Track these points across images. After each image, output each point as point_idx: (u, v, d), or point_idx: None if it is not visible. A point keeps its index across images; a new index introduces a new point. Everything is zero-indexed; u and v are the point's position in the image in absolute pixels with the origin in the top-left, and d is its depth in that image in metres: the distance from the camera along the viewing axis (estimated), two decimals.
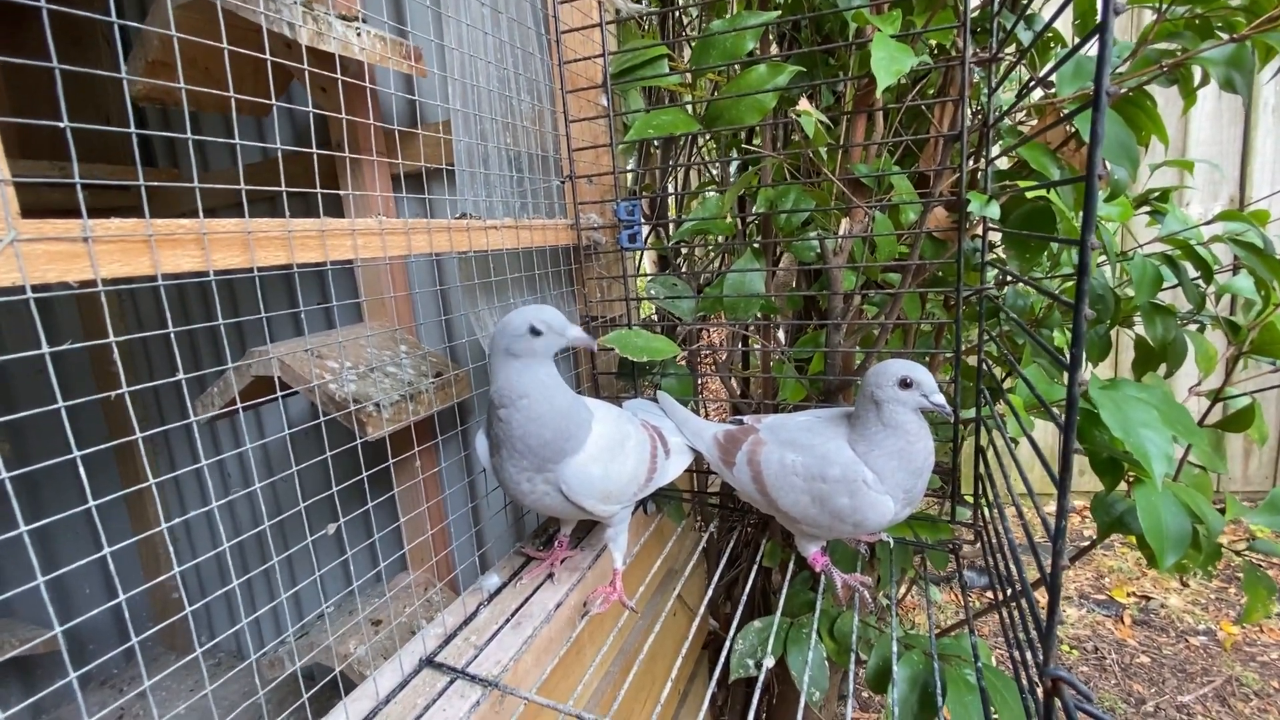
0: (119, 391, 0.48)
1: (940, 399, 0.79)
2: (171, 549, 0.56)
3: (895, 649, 0.83)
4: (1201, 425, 0.91)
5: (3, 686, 1.75)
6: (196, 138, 0.57)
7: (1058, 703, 0.49)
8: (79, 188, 0.45)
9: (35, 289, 0.44)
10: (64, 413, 0.44)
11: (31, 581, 0.45)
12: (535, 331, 0.77)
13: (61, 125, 0.44)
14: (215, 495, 1.83)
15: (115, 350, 0.47)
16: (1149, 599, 2.81)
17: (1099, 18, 0.39)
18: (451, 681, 0.75)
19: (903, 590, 2.08)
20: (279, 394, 0.82)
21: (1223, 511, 0.79)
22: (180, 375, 0.52)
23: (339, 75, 0.75)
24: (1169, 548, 0.72)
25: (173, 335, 0.51)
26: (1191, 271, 1.11)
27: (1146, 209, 1.26)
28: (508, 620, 0.86)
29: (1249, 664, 2.43)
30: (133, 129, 0.47)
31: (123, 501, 1.99)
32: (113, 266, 0.47)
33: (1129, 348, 1.20)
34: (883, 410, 0.82)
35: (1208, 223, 1.01)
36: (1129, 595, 2.84)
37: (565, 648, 0.85)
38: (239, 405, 1.14)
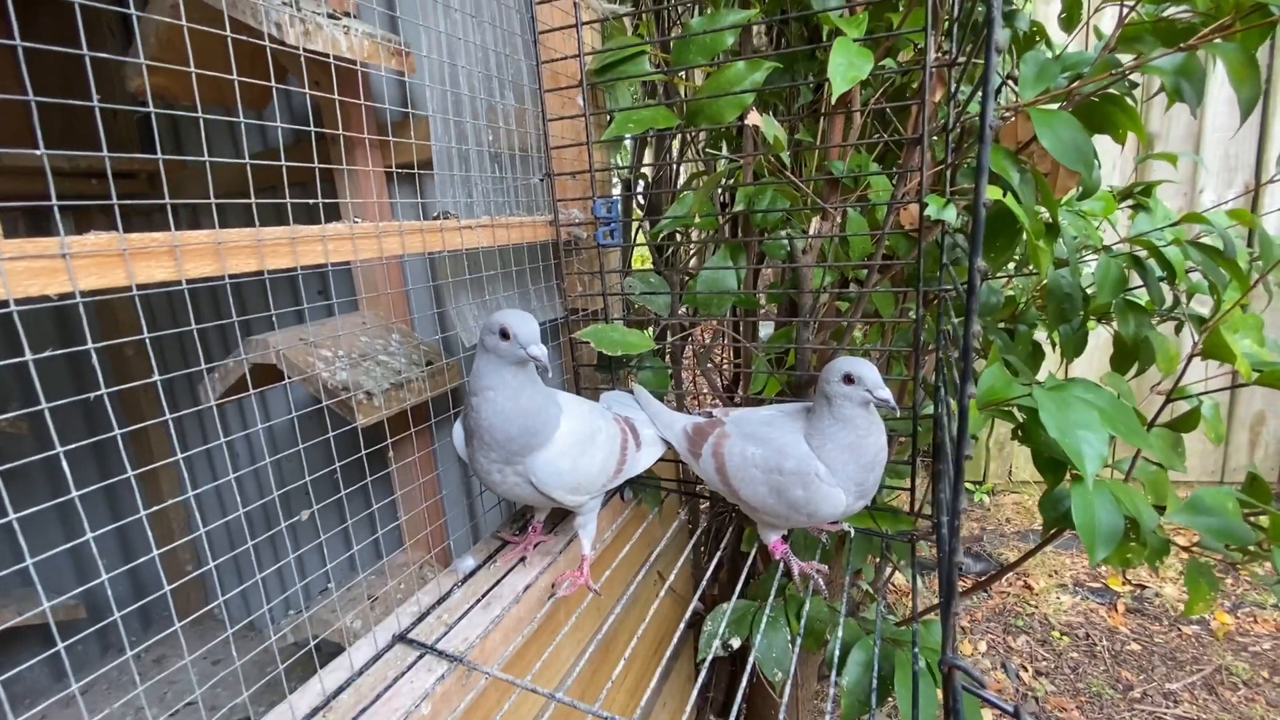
0: (97, 393, 0.53)
1: (884, 393, 0.82)
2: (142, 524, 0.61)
3: (841, 634, 0.87)
4: (1154, 425, 0.93)
5: (25, 651, 1.86)
6: (153, 109, 0.61)
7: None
8: (42, 175, 0.49)
9: (19, 301, 0.49)
10: (48, 414, 0.49)
11: (52, 555, 0.51)
12: (504, 334, 0.82)
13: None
14: (220, 475, 1.91)
15: (94, 356, 0.52)
16: (1144, 588, 2.82)
17: (985, 58, 0.41)
18: (421, 656, 0.80)
19: (888, 574, 2.12)
20: (251, 391, 0.87)
21: (1161, 510, 0.82)
22: (156, 377, 0.57)
23: (302, 75, 0.79)
24: (1100, 543, 0.75)
25: (148, 341, 0.56)
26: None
27: (1130, 203, 1.26)
28: (479, 600, 0.91)
29: (1240, 654, 2.45)
30: (30, 95, 0.50)
31: (142, 481, 2.08)
32: (90, 279, 0.52)
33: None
34: (833, 405, 0.85)
35: (1174, 224, 1.02)
36: (1124, 584, 2.85)
37: (532, 627, 0.91)
38: (213, 393, 1.20)
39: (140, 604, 0.73)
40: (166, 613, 2.20)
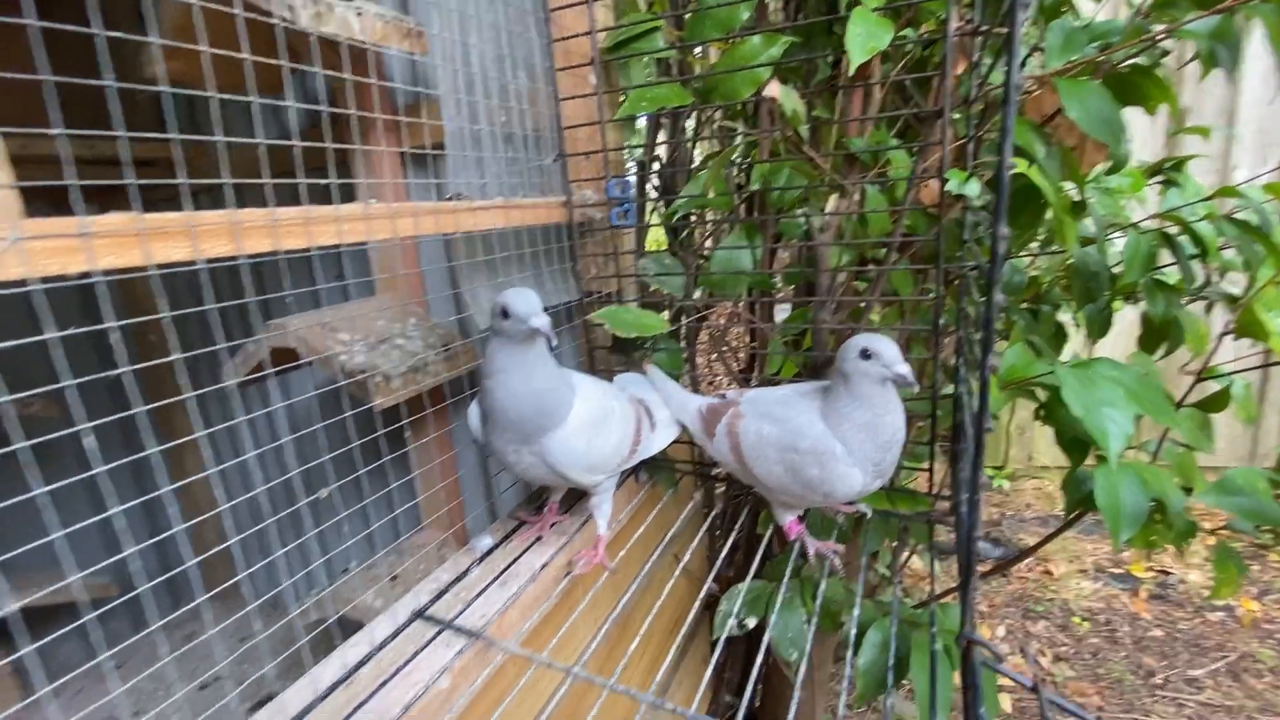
0: (116, 372, 0.53)
1: (902, 369, 0.80)
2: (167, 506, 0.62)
3: (857, 615, 0.87)
4: (1183, 405, 0.91)
5: (54, 625, 1.92)
6: (166, 89, 0.62)
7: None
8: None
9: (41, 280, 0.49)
10: (67, 394, 0.50)
11: (85, 537, 0.52)
12: (505, 314, 0.81)
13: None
14: (245, 460, 1.94)
15: (111, 335, 0.53)
16: (1168, 574, 2.78)
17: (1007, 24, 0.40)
18: (439, 632, 0.81)
19: (905, 556, 2.11)
20: (265, 372, 0.88)
21: (1188, 492, 0.80)
22: (175, 355, 0.58)
23: (315, 60, 0.78)
24: (1124, 525, 0.73)
25: (164, 322, 0.56)
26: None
27: (1159, 179, 1.22)
28: (496, 578, 0.92)
29: (1266, 640, 2.41)
30: (39, 74, 0.50)
31: (168, 464, 2.13)
32: (108, 259, 0.53)
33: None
34: (850, 383, 0.84)
35: (1207, 198, 0.99)
36: (1147, 570, 2.81)
37: (548, 604, 0.91)
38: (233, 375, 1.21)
39: (169, 584, 0.75)
40: (194, 591, 2.26)
